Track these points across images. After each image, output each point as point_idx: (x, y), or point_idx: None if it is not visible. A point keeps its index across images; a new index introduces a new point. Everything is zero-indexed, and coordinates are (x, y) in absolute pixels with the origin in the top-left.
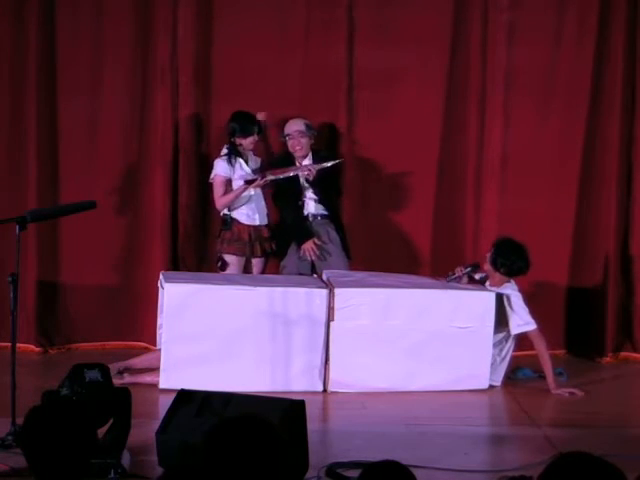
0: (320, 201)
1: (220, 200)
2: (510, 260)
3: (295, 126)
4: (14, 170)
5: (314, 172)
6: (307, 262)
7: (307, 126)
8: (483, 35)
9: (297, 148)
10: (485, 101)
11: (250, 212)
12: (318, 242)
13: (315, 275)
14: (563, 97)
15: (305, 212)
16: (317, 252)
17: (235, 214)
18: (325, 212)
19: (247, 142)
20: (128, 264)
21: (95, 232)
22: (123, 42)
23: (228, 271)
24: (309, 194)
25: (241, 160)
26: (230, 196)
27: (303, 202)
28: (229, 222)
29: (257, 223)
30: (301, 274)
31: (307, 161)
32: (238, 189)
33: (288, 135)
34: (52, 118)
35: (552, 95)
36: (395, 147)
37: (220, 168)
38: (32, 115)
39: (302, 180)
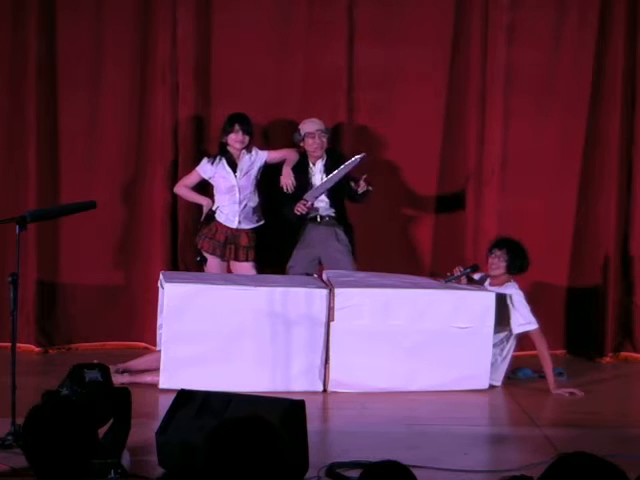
0: (330, 203)
1: (179, 185)
2: (526, 260)
3: (316, 125)
4: (14, 170)
5: (342, 174)
6: (315, 263)
7: (325, 127)
8: (483, 35)
9: (316, 147)
10: (485, 101)
11: (231, 215)
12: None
13: (315, 275)
14: (563, 97)
15: (314, 212)
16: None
17: (217, 213)
18: (333, 214)
19: (230, 140)
20: (128, 264)
21: (95, 232)
22: (123, 42)
23: (207, 268)
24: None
25: (224, 160)
26: (187, 194)
27: (312, 203)
28: (211, 218)
29: (234, 226)
30: (308, 274)
31: (321, 162)
32: (194, 197)
33: (308, 134)
34: (52, 118)
35: (552, 95)
36: (395, 147)
37: (201, 165)
38: (32, 115)
39: (314, 181)
